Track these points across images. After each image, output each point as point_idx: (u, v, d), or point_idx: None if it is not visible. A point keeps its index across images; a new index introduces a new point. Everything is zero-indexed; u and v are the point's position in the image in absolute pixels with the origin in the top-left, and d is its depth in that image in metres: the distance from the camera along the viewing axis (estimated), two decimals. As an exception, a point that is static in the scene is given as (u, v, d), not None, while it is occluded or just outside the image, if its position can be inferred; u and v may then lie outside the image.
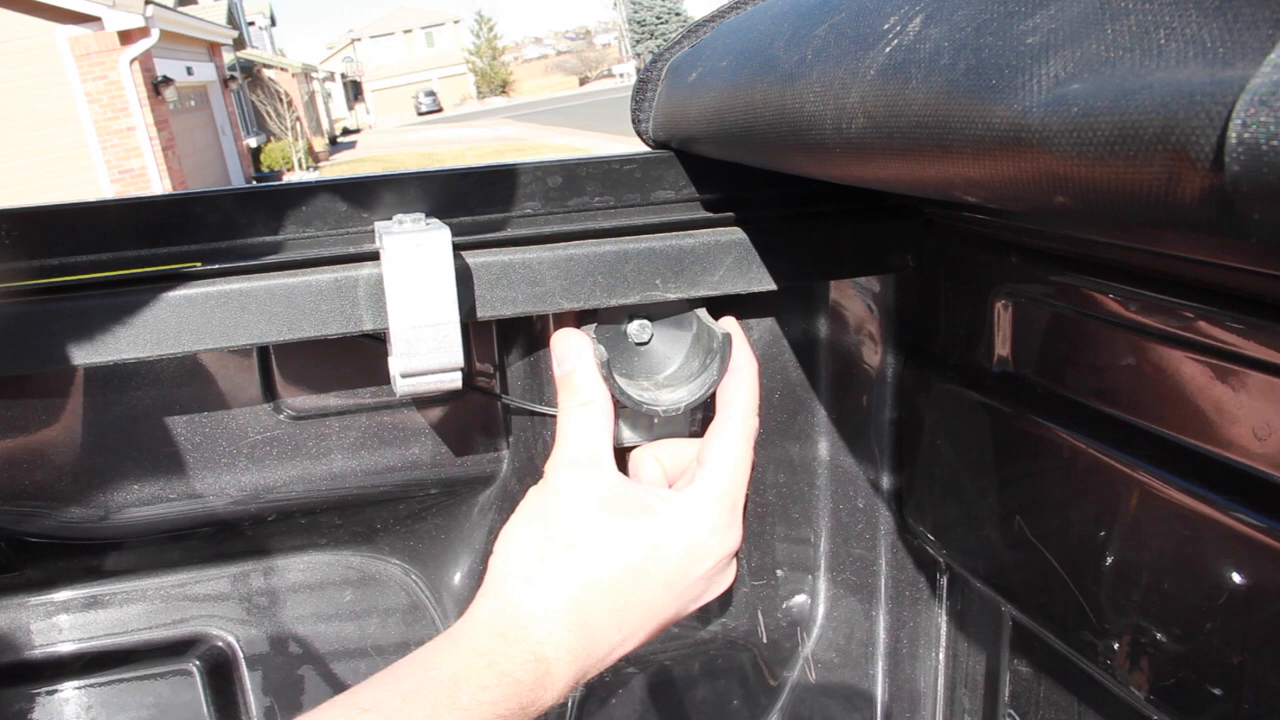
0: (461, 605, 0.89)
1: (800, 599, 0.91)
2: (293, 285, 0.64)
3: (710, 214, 0.70)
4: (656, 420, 0.80)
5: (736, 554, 0.64)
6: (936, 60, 0.35)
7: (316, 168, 20.47)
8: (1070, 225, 0.56)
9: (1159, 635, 0.51)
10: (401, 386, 0.64)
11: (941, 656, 0.87)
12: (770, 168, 0.58)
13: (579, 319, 0.76)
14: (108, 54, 11.88)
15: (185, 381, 0.77)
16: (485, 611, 0.55)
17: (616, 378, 0.72)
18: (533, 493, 0.62)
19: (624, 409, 0.78)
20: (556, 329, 0.72)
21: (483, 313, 0.67)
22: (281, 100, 20.80)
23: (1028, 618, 0.65)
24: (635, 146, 0.74)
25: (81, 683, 0.83)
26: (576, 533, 0.58)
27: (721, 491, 0.63)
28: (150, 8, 11.90)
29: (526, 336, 0.81)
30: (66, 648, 0.83)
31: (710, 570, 0.62)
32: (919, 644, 0.88)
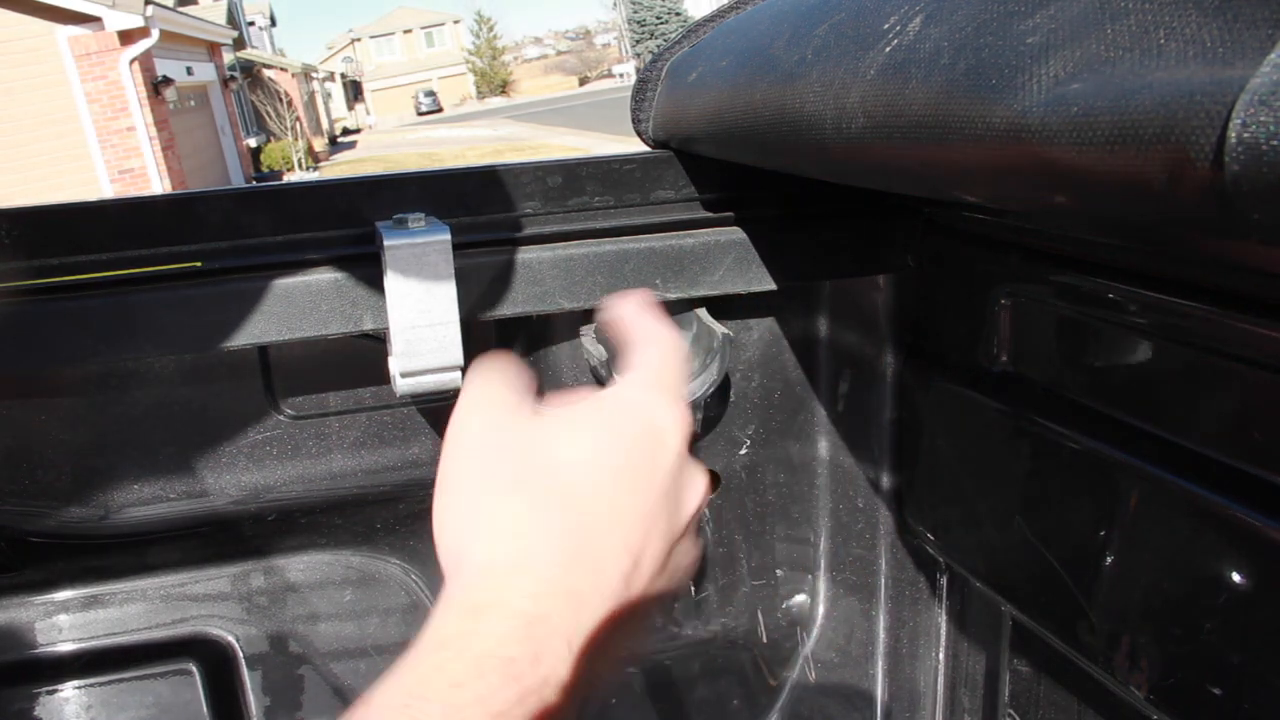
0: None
1: (800, 599, 0.91)
2: (293, 285, 0.64)
3: (710, 214, 0.70)
4: (656, 420, 0.80)
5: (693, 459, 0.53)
6: (936, 60, 0.35)
7: (316, 168, 20.47)
8: (1070, 225, 0.56)
9: (1159, 635, 0.51)
10: (401, 386, 0.64)
11: (941, 656, 0.87)
12: (770, 168, 0.58)
13: (579, 319, 0.76)
14: (108, 54, 11.88)
15: (185, 381, 0.77)
16: (449, 593, 0.43)
17: (616, 377, 0.72)
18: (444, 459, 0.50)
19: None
20: (556, 329, 0.72)
21: (483, 313, 0.67)
22: (281, 100, 20.80)
23: (1028, 618, 0.65)
24: (635, 146, 0.74)
25: (81, 683, 0.83)
26: (519, 451, 0.46)
27: (656, 373, 0.53)
28: (150, 8, 11.90)
29: (526, 336, 0.81)
30: (66, 648, 0.83)
31: (679, 448, 0.50)
32: (919, 644, 0.88)
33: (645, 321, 0.58)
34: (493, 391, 0.49)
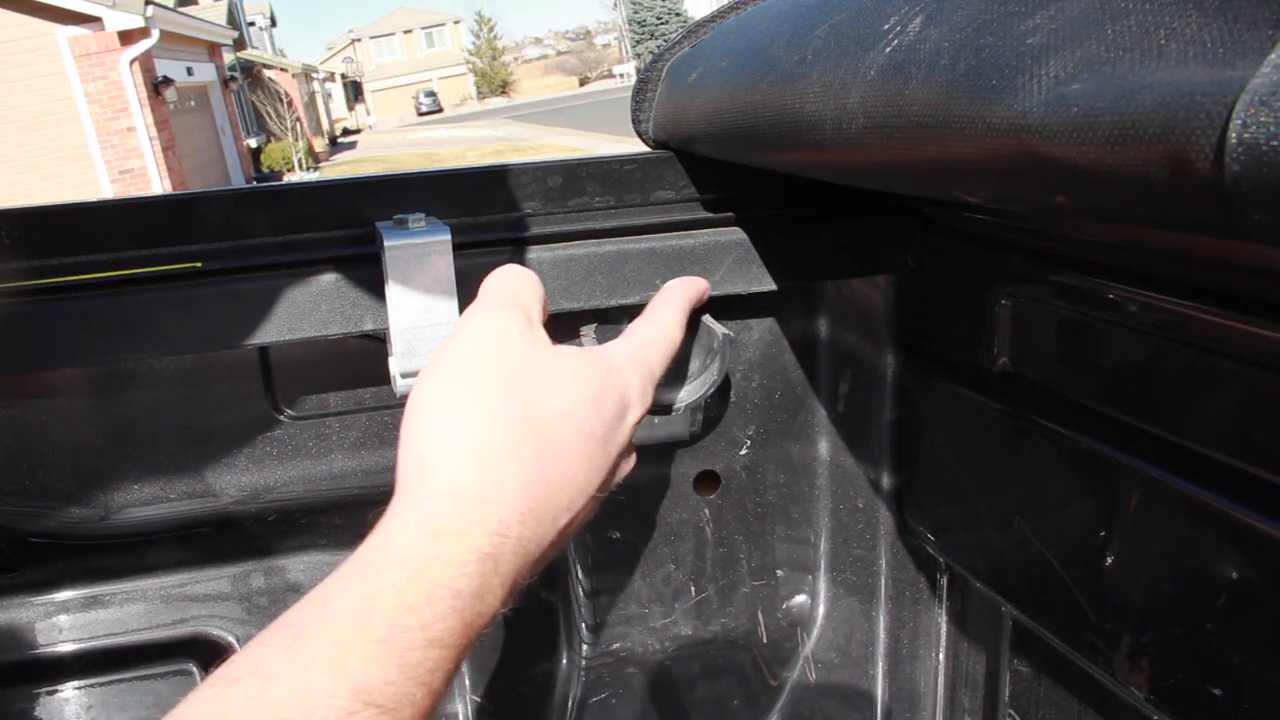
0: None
1: (800, 599, 0.91)
2: (293, 285, 0.64)
3: (710, 214, 0.70)
4: (656, 420, 0.80)
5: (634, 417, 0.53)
6: (936, 60, 0.35)
7: (317, 168, 20.47)
8: (1070, 225, 0.56)
9: (1159, 635, 0.51)
10: (401, 386, 0.64)
11: (941, 656, 0.87)
12: (770, 168, 0.58)
13: (579, 319, 0.76)
14: (108, 54, 11.88)
15: (185, 381, 0.77)
16: (407, 506, 0.42)
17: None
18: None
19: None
20: (556, 329, 0.72)
21: None
22: (282, 100, 20.80)
23: (1028, 618, 0.65)
24: (635, 147, 0.74)
25: (81, 683, 0.83)
26: (509, 379, 0.46)
27: (643, 347, 0.55)
28: (150, 8, 11.90)
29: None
30: (66, 648, 0.83)
31: (630, 434, 0.51)
32: (919, 644, 0.88)
33: (663, 298, 0.61)
34: (509, 313, 0.50)
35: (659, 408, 0.74)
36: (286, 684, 0.35)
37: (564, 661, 0.90)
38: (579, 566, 0.86)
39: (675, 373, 0.77)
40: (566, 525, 0.46)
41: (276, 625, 0.37)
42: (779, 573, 0.90)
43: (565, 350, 0.50)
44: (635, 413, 0.51)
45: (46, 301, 0.61)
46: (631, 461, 0.54)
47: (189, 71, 15.19)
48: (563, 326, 0.78)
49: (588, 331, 0.75)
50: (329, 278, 0.64)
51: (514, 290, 0.53)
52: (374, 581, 0.38)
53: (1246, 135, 0.21)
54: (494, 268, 0.67)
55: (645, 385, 0.53)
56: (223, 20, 19.08)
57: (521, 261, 0.67)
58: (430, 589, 0.38)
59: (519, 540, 0.42)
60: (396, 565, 0.39)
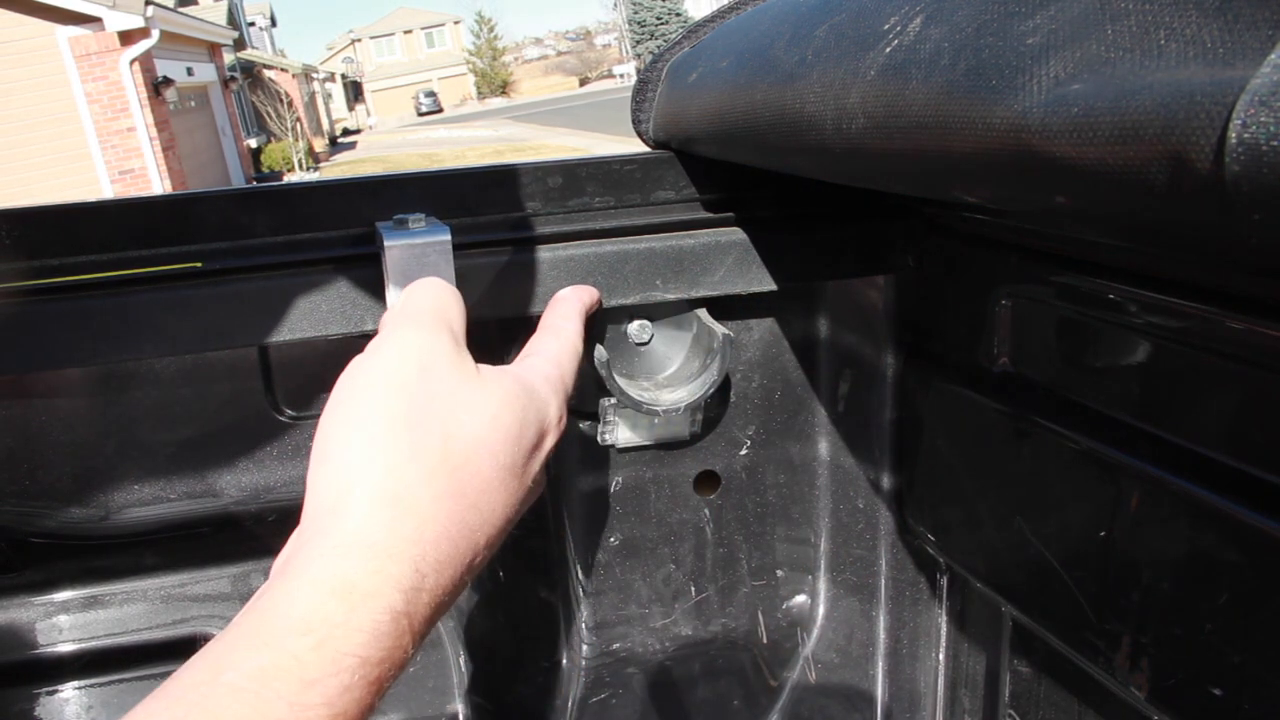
0: (461, 605, 0.89)
1: (800, 599, 0.91)
2: (293, 285, 0.64)
3: (710, 214, 0.70)
4: (657, 420, 0.80)
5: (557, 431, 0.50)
6: (937, 61, 0.35)
7: (317, 168, 20.47)
8: (1070, 226, 0.56)
9: (1159, 635, 0.51)
10: (402, 387, 0.64)
11: (941, 656, 0.87)
12: (770, 168, 0.58)
13: None
14: (108, 54, 11.88)
15: (185, 381, 0.77)
16: (314, 556, 0.37)
17: (616, 378, 0.72)
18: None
19: (624, 409, 0.78)
20: None
21: (483, 313, 0.67)
22: (282, 101, 20.80)
23: (1028, 618, 0.65)
24: (635, 147, 0.74)
25: (81, 683, 0.83)
26: (425, 406, 0.42)
27: (557, 365, 0.52)
28: (150, 8, 11.90)
29: (526, 336, 0.81)
30: (67, 648, 0.83)
31: (551, 449, 0.48)
32: (919, 644, 0.88)
33: (560, 312, 0.59)
34: (436, 334, 0.46)
35: (659, 408, 0.74)
36: None
37: (564, 661, 0.90)
38: (579, 566, 0.86)
39: (675, 373, 0.77)
40: (480, 563, 0.42)
41: (160, 695, 0.32)
42: (779, 573, 0.90)
43: (489, 374, 0.46)
44: (553, 438, 0.48)
45: (46, 301, 0.61)
46: (541, 485, 0.49)
47: (189, 72, 15.19)
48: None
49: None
50: (329, 278, 0.64)
51: (441, 307, 0.48)
52: (272, 652, 0.34)
53: (1246, 135, 0.21)
54: (494, 268, 0.67)
55: (563, 407, 0.50)
56: (223, 20, 19.08)
57: (522, 261, 0.67)
58: (336, 659, 0.34)
59: (434, 591, 0.38)
60: (299, 631, 0.34)
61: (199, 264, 0.62)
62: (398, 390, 0.42)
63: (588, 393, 0.79)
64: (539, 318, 0.77)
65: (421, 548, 0.39)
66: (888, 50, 0.39)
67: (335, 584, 0.36)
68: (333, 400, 0.43)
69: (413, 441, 0.41)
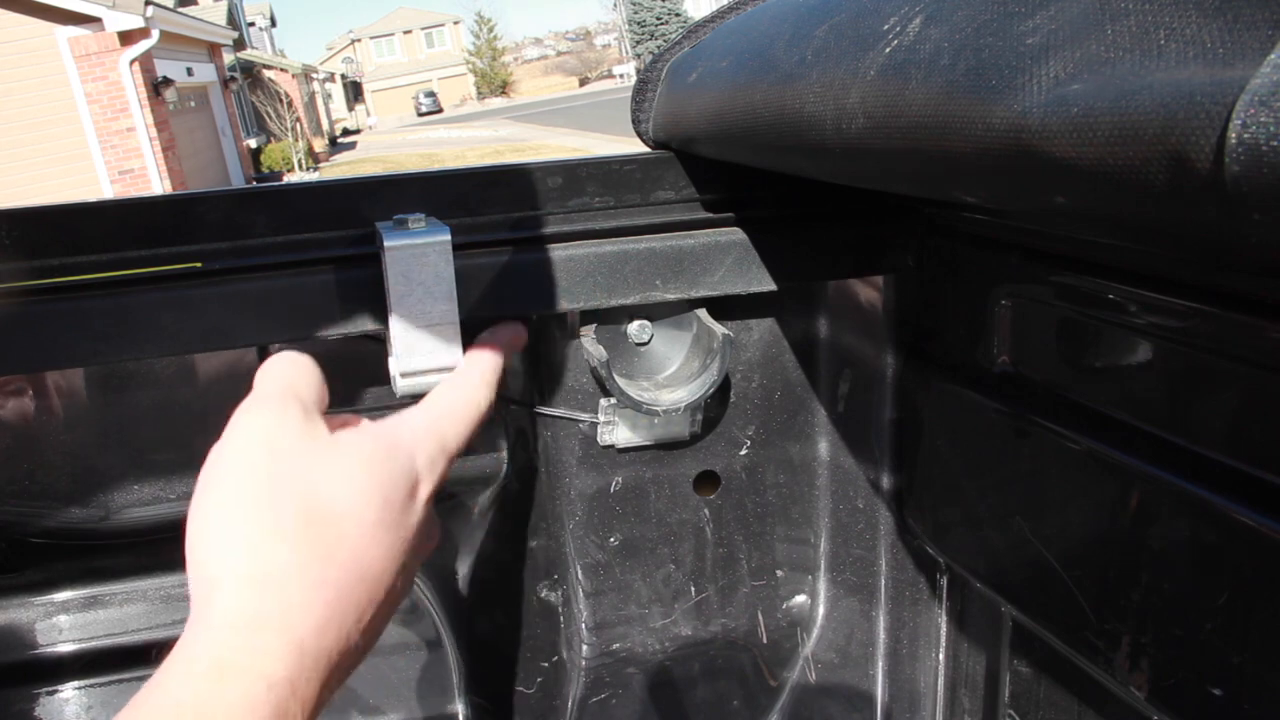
0: (461, 605, 0.89)
1: (800, 599, 0.91)
2: (293, 285, 0.64)
3: (710, 214, 0.70)
4: (656, 420, 0.80)
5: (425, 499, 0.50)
6: (936, 61, 0.35)
7: (317, 168, 20.47)
8: (1070, 226, 0.56)
9: (1159, 635, 0.51)
10: (401, 386, 0.64)
11: (941, 657, 0.87)
12: (770, 168, 0.58)
13: (579, 319, 0.76)
14: (108, 54, 11.88)
15: (185, 381, 0.77)
16: (191, 640, 0.39)
17: (616, 378, 0.72)
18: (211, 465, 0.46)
19: (624, 409, 0.78)
20: (556, 329, 0.72)
21: (483, 313, 0.67)
22: (281, 101, 20.80)
23: (1028, 618, 0.65)
24: (635, 147, 0.74)
25: (81, 683, 0.83)
26: (286, 482, 0.43)
27: (438, 419, 0.51)
28: (150, 8, 11.90)
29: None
30: (67, 648, 0.83)
31: (429, 499, 0.49)
32: (919, 644, 0.88)
33: (470, 363, 0.57)
34: (282, 409, 0.47)
35: (659, 409, 0.74)
36: None
37: (564, 661, 0.90)
38: (579, 566, 0.86)
39: (675, 373, 0.77)
40: (372, 619, 0.43)
41: None
42: (779, 573, 0.90)
43: (345, 438, 0.47)
44: (426, 487, 0.48)
45: (46, 301, 0.61)
46: (435, 531, 0.50)
47: (189, 72, 15.19)
48: (563, 327, 0.78)
49: (588, 332, 0.75)
50: (329, 278, 0.64)
51: (287, 382, 0.49)
52: None
53: (1246, 135, 0.21)
54: (494, 268, 0.67)
55: (435, 457, 0.49)
56: (223, 20, 19.08)
57: (522, 261, 0.67)
58: None
59: (317, 655, 0.39)
60: (174, 713, 0.36)
61: (199, 264, 0.62)
62: (248, 473, 0.44)
63: (588, 393, 0.79)
64: (539, 317, 0.77)
65: (290, 617, 0.40)
66: (888, 50, 0.39)
67: (207, 664, 0.38)
68: (196, 490, 0.45)
69: (270, 519, 0.42)
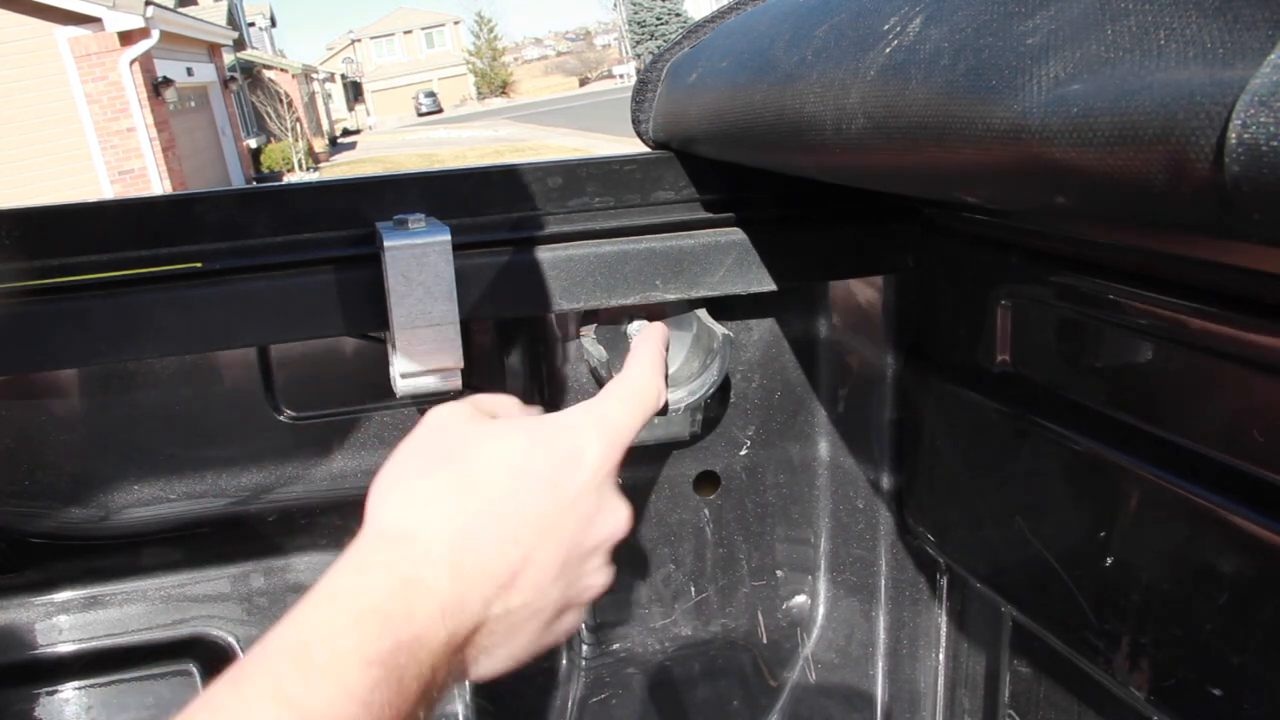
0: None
1: (800, 599, 0.91)
2: (293, 286, 0.64)
3: (710, 214, 0.70)
4: (657, 420, 0.80)
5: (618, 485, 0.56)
6: (937, 61, 0.35)
7: (317, 168, 20.47)
8: (1070, 225, 0.56)
9: (1159, 635, 0.51)
10: (401, 386, 0.64)
11: (941, 657, 0.87)
12: (770, 168, 0.58)
13: (579, 319, 0.76)
14: (108, 55, 11.88)
15: (185, 382, 0.77)
16: (347, 555, 0.47)
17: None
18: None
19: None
20: (556, 329, 0.72)
21: (483, 313, 0.67)
22: (281, 101, 20.80)
23: (1028, 618, 0.65)
24: (635, 147, 0.74)
25: (81, 683, 0.83)
26: (450, 443, 0.52)
27: (607, 413, 0.57)
28: (150, 9, 11.90)
29: (526, 336, 0.81)
30: (66, 648, 0.83)
31: (597, 473, 0.54)
32: (919, 644, 0.88)
33: (641, 358, 0.62)
34: (457, 406, 0.55)
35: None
36: (235, 714, 0.38)
37: (564, 661, 0.90)
38: (579, 567, 0.86)
39: (675, 373, 0.77)
40: (522, 562, 0.49)
41: (225, 674, 0.40)
42: (779, 573, 0.90)
43: (505, 420, 0.54)
44: (593, 459, 0.53)
45: (46, 301, 0.61)
46: (620, 515, 0.55)
47: (189, 72, 15.19)
48: (563, 327, 0.78)
49: (588, 332, 0.75)
50: (329, 278, 0.64)
51: (471, 398, 0.58)
52: (309, 618, 0.43)
53: (1246, 136, 0.21)
54: (494, 268, 0.67)
55: (602, 439, 0.54)
56: (223, 21, 19.08)
57: (522, 261, 0.67)
58: (360, 616, 0.42)
59: (451, 565, 0.46)
60: (328, 601, 0.43)
61: (199, 264, 0.62)
62: (421, 441, 0.53)
63: (588, 393, 0.79)
64: (539, 318, 0.77)
65: (426, 525, 0.47)
66: (888, 50, 0.39)
67: (353, 563, 0.46)
68: (385, 464, 0.54)
69: (425, 467, 0.51)
